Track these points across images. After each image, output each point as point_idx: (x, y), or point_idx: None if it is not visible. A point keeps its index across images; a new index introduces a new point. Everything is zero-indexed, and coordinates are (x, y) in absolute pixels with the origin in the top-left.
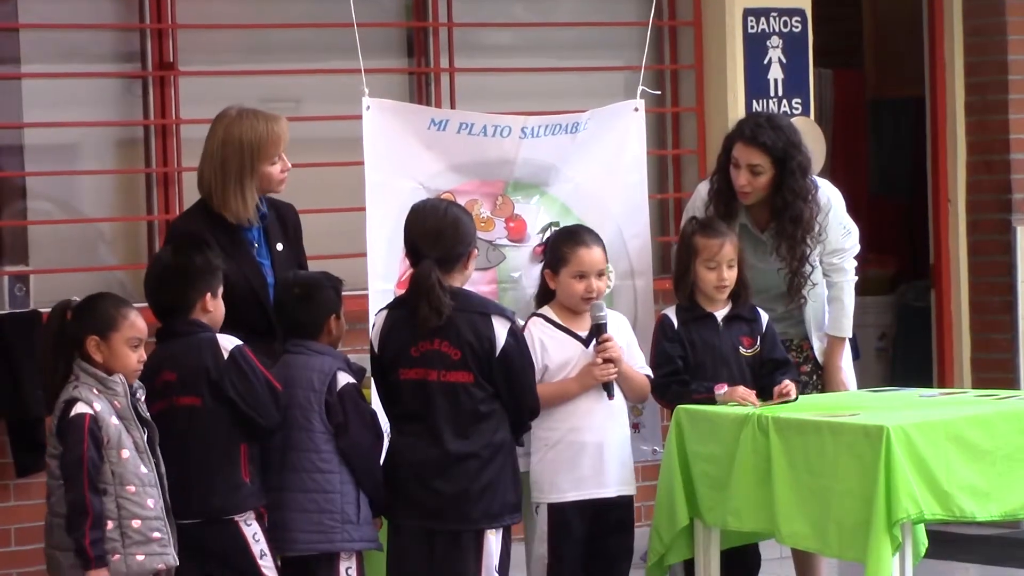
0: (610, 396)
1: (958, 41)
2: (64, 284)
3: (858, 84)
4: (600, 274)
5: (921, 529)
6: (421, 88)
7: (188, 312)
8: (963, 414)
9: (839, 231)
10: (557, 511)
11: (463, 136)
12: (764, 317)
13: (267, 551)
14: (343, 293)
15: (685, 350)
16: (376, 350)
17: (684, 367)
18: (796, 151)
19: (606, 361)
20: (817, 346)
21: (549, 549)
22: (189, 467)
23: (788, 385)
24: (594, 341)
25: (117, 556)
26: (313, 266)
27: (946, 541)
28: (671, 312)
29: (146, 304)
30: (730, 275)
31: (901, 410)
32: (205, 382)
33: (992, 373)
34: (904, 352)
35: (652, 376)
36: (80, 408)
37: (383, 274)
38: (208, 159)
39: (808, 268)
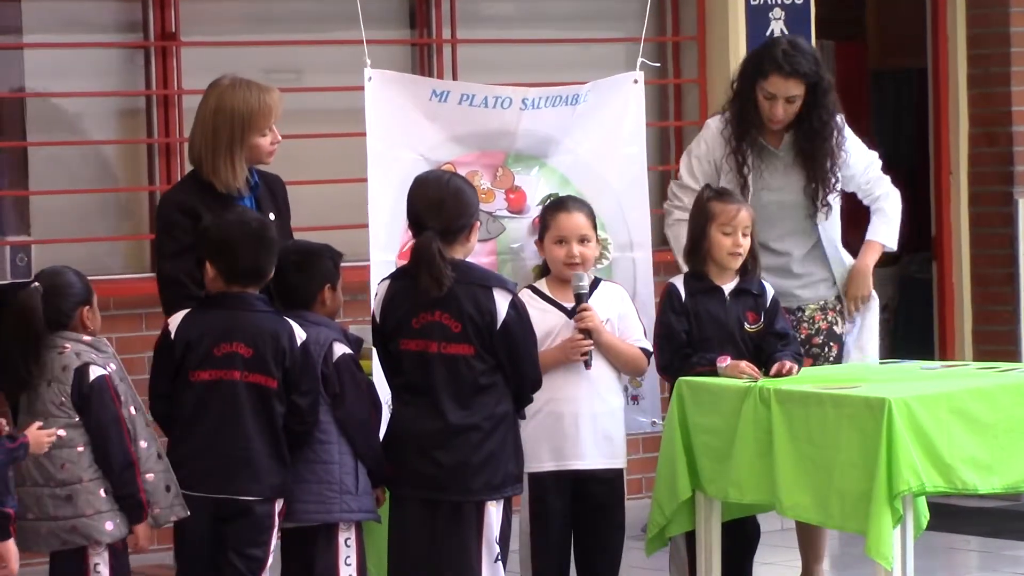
0: (587, 366)
1: (960, 13)
2: (65, 254)
3: (860, 56)
4: (582, 240)
5: (922, 501)
6: (423, 59)
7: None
8: (965, 386)
9: (859, 144)
10: (536, 481)
11: (464, 107)
12: (770, 292)
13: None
14: (344, 264)
15: (690, 322)
16: (377, 320)
17: (688, 340)
18: (824, 70)
19: (583, 331)
20: (839, 274)
21: (530, 518)
22: (240, 442)
23: (786, 365)
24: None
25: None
26: (314, 237)
27: (948, 514)
28: (679, 282)
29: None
30: (744, 242)
31: (903, 382)
32: (280, 368)
33: (994, 345)
34: (906, 324)
35: (648, 349)
36: (96, 371)
37: (384, 245)
38: (199, 127)
39: (833, 179)
